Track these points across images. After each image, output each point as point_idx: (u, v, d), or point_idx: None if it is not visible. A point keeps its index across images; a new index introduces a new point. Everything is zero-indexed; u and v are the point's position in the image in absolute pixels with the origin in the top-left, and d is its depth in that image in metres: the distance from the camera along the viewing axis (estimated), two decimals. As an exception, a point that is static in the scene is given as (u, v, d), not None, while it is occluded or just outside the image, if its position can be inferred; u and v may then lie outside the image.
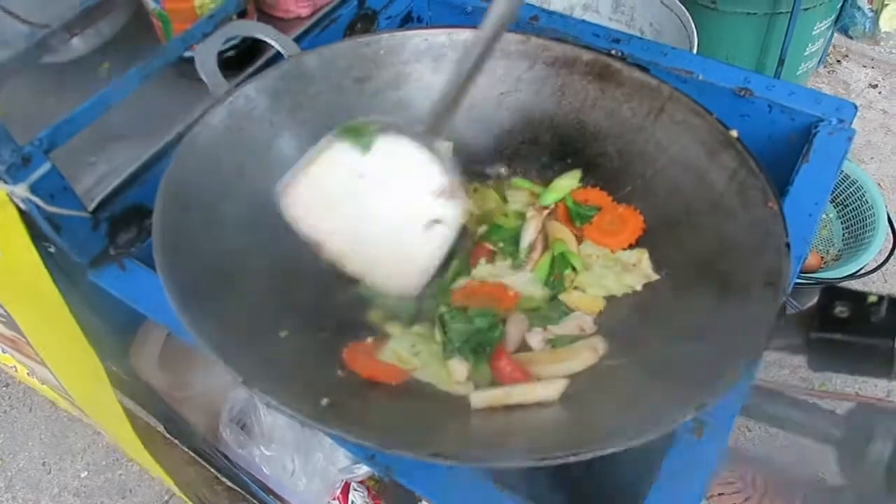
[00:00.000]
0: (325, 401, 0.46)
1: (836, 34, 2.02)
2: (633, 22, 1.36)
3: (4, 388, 1.65)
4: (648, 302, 0.60)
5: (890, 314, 0.42)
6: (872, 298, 0.43)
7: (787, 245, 0.53)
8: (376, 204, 0.58)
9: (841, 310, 0.43)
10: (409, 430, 0.47)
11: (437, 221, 0.57)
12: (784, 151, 0.75)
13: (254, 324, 0.55)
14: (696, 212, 0.63)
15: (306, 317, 0.58)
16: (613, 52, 0.79)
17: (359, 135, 0.57)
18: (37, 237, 0.62)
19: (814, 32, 1.56)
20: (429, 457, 0.40)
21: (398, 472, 0.51)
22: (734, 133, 0.62)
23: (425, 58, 0.75)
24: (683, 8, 1.24)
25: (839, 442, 0.60)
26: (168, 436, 1.06)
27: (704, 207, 0.62)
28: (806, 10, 1.43)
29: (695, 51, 1.18)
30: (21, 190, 0.55)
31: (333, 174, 0.58)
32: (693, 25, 1.21)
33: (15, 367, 0.99)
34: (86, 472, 1.53)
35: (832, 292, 0.45)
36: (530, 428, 0.49)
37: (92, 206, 0.64)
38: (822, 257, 1.53)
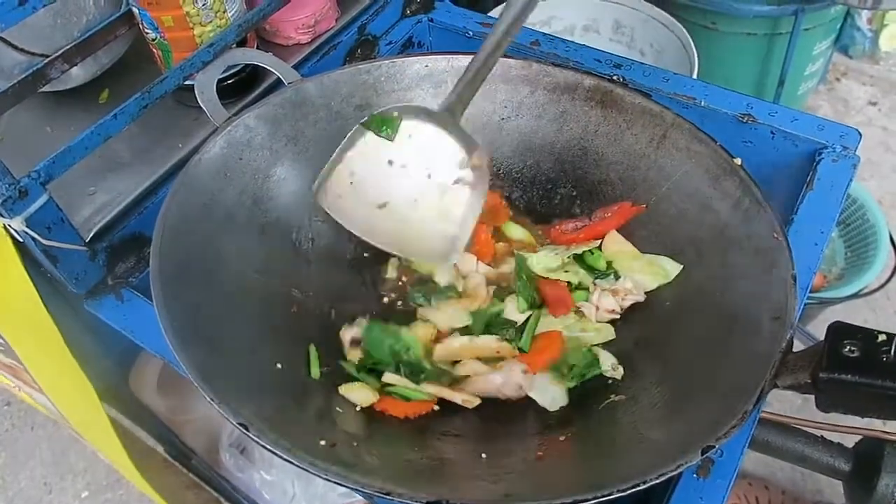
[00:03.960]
0: (322, 442, 0.45)
1: (835, 53, 2.02)
2: (633, 43, 1.35)
3: (6, 407, 1.64)
4: (651, 336, 0.59)
5: (900, 354, 0.41)
6: (882, 338, 0.42)
7: (794, 277, 0.52)
8: (404, 184, 0.62)
9: (850, 349, 0.42)
10: (409, 473, 0.46)
11: (456, 185, 0.61)
12: (787, 178, 0.75)
13: (251, 358, 0.54)
14: (700, 241, 0.62)
15: (300, 352, 0.57)
16: (615, 77, 0.78)
17: (383, 124, 0.62)
18: (35, 265, 0.62)
19: (814, 52, 1.55)
20: None
21: (398, 512, 0.50)
22: (738, 161, 0.61)
23: (426, 84, 0.75)
24: (684, 29, 1.24)
25: (847, 476, 0.59)
26: (168, 458, 1.05)
27: (709, 236, 0.61)
28: (806, 30, 1.43)
29: (696, 72, 1.18)
30: (17, 223, 0.54)
31: (363, 164, 0.62)
32: (694, 47, 1.21)
33: (18, 386, 0.99)
34: (86, 492, 1.52)
35: (840, 330, 0.44)
36: (528, 471, 0.48)
37: (89, 237, 0.64)
38: (825, 276, 1.52)
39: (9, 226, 0.55)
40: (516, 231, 0.72)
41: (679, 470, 0.41)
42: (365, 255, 0.70)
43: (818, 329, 1.60)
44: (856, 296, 1.37)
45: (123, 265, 0.67)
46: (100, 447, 0.96)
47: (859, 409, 0.43)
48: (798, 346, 0.48)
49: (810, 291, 1.36)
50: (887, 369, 0.41)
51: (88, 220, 0.66)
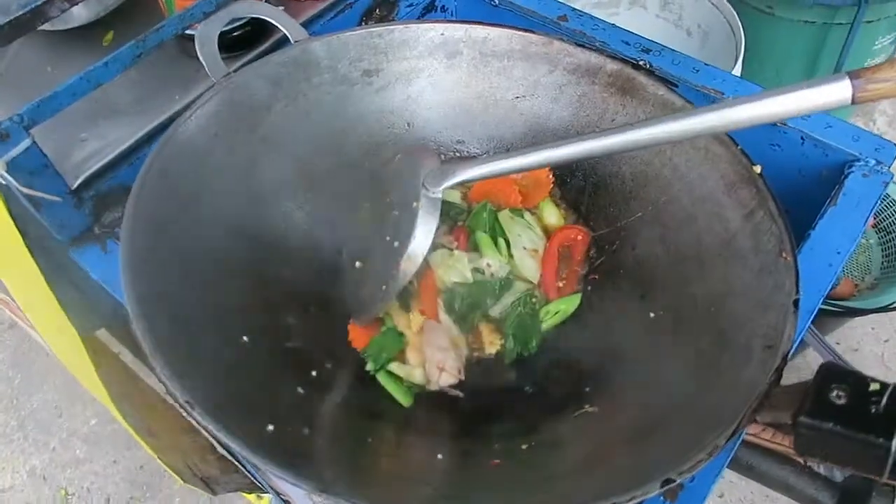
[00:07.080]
0: (270, 427, 0.43)
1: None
2: (680, 21, 1.28)
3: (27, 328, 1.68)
4: (632, 347, 0.56)
5: (891, 407, 0.37)
6: (875, 386, 0.39)
7: (796, 303, 0.48)
8: None
9: (838, 394, 0.39)
10: (355, 469, 0.44)
11: None
12: (813, 188, 0.70)
13: (217, 327, 0.52)
14: (706, 248, 0.58)
15: (274, 326, 0.56)
16: (642, 62, 0.73)
17: None
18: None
19: (875, 47, 1.45)
20: (365, 509, 0.37)
21: None
22: (757, 168, 0.57)
23: (440, 53, 0.71)
24: (733, 11, 1.17)
25: (831, 512, 0.56)
26: (168, 400, 1.06)
27: (715, 245, 0.58)
28: (868, 22, 1.33)
29: (741, 56, 1.11)
30: (-3, 166, 0.53)
31: None
32: (741, 30, 1.14)
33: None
34: (95, 420, 1.57)
35: (830, 372, 0.40)
36: (478, 479, 0.46)
37: (76, 184, 0.62)
38: (857, 284, 1.45)
39: (-11, 169, 0.54)
40: (551, 215, 0.70)
41: (633, 501, 0.39)
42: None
43: (842, 336, 1.53)
44: (885, 309, 1.30)
45: (111, 215, 0.66)
46: (92, 391, 0.98)
47: (839, 460, 0.39)
48: (813, 355, 0.44)
49: (839, 299, 1.31)
50: (874, 422, 0.37)
51: (77, 167, 0.64)
